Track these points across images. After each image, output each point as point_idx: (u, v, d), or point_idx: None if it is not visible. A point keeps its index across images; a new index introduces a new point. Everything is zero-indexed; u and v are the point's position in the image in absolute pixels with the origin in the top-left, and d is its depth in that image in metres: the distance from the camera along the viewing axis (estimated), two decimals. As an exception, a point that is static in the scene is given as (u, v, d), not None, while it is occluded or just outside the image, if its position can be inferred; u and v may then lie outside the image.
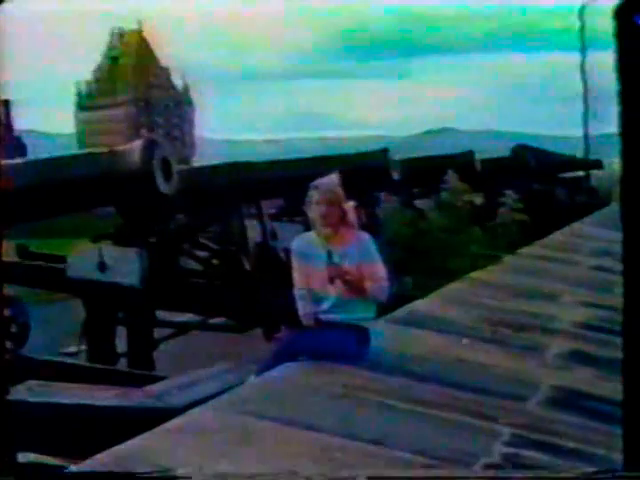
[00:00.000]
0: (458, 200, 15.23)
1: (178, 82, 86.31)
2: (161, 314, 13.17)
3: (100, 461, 3.42)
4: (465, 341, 6.15)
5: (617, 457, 3.23)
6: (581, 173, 31.41)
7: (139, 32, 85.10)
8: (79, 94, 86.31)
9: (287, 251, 8.78)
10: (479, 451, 3.96)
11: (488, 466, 3.80)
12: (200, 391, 6.91)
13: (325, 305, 5.20)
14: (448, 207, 15.04)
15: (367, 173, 16.54)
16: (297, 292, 5.29)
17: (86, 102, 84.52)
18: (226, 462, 3.50)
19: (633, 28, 2.70)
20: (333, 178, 5.32)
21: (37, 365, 9.05)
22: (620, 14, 2.73)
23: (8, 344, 10.76)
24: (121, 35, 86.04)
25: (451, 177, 15.47)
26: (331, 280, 5.10)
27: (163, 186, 10.98)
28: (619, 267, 3.01)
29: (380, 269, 5.20)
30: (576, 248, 13.23)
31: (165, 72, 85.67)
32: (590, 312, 7.95)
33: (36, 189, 10.48)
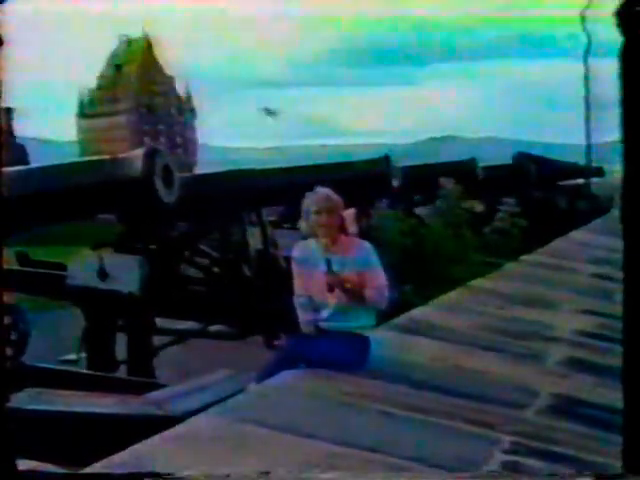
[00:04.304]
0: (458, 207, 15.24)
1: (181, 89, 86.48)
2: (161, 322, 13.17)
3: (99, 468, 3.43)
4: None
5: (616, 465, 3.23)
6: (582, 180, 31.39)
7: (144, 40, 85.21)
8: (82, 101, 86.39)
9: (288, 259, 8.79)
10: (479, 459, 3.95)
11: (488, 474, 3.80)
12: (200, 399, 6.92)
13: (325, 313, 5.20)
14: (448, 215, 15.04)
15: (369, 180, 16.57)
16: (297, 300, 5.29)
17: (89, 109, 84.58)
18: (226, 470, 3.50)
19: (635, 34, 2.70)
20: (327, 189, 5.32)
21: (37, 372, 9.05)
22: (621, 19, 2.72)
23: (8, 351, 10.76)
24: (126, 43, 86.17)
25: (447, 184, 15.48)
26: (331, 288, 5.10)
27: (164, 194, 11.00)
28: (619, 275, 3.00)
29: (380, 277, 5.20)
30: (576, 255, 13.23)
31: (168, 80, 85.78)
32: (590, 320, 7.95)
33: (38, 196, 10.50)
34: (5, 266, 3.21)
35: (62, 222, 14.09)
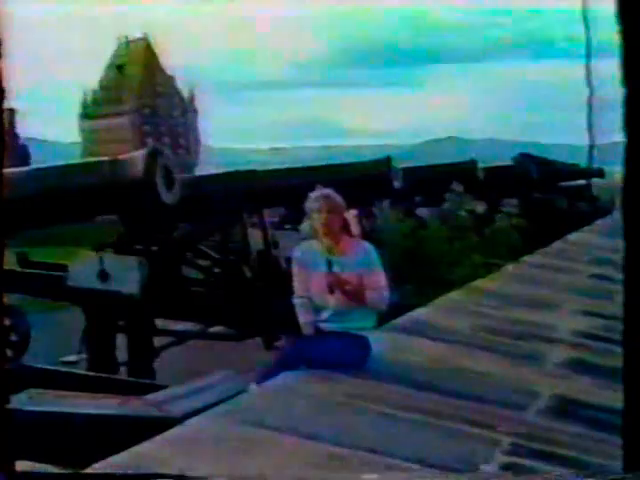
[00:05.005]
0: (459, 209, 15.25)
1: (183, 90, 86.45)
2: (161, 323, 13.18)
3: (99, 469, 3.42)
4: None
5: (616, 466, 3.22)
6: (583, 182, 31.40)
7: (145, 41, 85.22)
8: (84, 102, 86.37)
9: (288, 260, 8.79)
10: (478, 460, 3.95)
11: (487, 475, 3.80)
12: (200, 400, 6.90)
13: (325, 314, 5.20)
14: (449, 216, 15.06)
15: (370, 182, 16.57)
16: (297, 301, 5.28)
17: (91, 110, 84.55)
18: (226, 471, 3.50)
19: (636, 32, 2.70)
20: (330, 190, 5.33)
21: (37, 373, 9.05)
22: (622, 17, 2.72)
23: (9, 352, 10.77)
24: (127, 43, 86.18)
25: (458, 188, 15.52)
26: (331, 289, 5.09)
27: (165, 195, 11.00)
28: (620, 276, 2.99)
29: (381, 278, 5.20)
30: (577, 257, 13.23)
31: (170, 80, 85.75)
32: (590, 321, 7.94)
33: (39, 197, 10.51)
34: (5, 267, 3.21)
35: (63, 223, 14.11)
